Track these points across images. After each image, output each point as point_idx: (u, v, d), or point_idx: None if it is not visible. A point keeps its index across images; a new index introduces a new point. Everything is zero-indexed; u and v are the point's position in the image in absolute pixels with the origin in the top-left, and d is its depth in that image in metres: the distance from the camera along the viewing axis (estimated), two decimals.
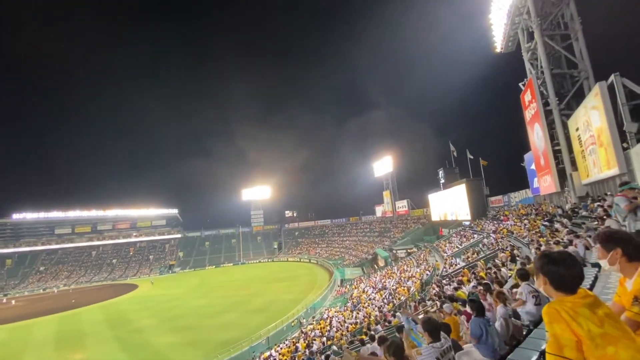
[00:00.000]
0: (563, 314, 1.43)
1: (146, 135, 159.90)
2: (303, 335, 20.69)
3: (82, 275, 79.60)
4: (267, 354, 19.16)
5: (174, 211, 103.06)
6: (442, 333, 3.29)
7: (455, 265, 22.76)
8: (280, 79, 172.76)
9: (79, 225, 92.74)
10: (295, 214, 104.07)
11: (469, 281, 13.56)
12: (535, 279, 1.75)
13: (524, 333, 4.38)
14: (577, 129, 17.68)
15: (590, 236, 8.37)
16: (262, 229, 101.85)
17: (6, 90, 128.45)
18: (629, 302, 1.83)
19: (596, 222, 10.65)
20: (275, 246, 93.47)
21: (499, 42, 25.73)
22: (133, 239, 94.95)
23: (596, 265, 5.66)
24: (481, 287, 7.89)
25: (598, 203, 13.41)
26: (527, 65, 22.77)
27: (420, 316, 6.27)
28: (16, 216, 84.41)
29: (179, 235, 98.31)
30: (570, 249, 8.15)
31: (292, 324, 25.62)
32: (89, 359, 22.40)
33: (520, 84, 23.95)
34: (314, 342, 17.34)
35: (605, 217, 9.55)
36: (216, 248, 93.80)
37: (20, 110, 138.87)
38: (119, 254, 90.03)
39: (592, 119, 15.35)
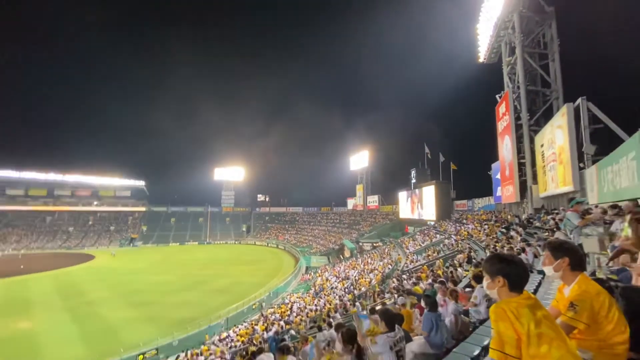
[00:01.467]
0: (508, 313, 1.55)
1: (118, 98, 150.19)
2: (263, 318, 20.89)
3: (33, 240, 74.78)
4: (225, 334, 19.19)
5: (140, 183, 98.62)
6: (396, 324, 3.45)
7: (416, 262, 23.76)
8: (262, 66, 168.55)
9: (33, 187, 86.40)
10: (267, 199, 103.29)
11: (427, 278, 14.23)
12: (484, 281, 1.83)
13: (470, 329, 4.69)
14: (542, 145, 18.78)
15: (540, 245, 9.01)
16: (232, 210, 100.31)
17: None
18: (565, 307, 2.01)
19: (547, 233, 11.48)
20: (244, 229, 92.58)
21: (482, 53, 26.52)
22: (94, 208, 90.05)
23: (541, 272, 6.12)
24: (439, 284, 8.32)
25: (551, 216, 14.45)
26: (506, 79, 23.71)
27: (378, 307, 6.52)
28: None
29: (143, 209, 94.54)
30: (522, 256, 8.75)
31: (253, 307, 25.74)
32: (36, 329, 21.30)
33: (497, 96, 24.95)
34: (273, 325, 17.57)
35: (555, 229, 10.33)
36: (182, 225, 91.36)
37: None
38: (76, 222, 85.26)
39: (556, 137, 16.35)
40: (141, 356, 16.92)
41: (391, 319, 3.32)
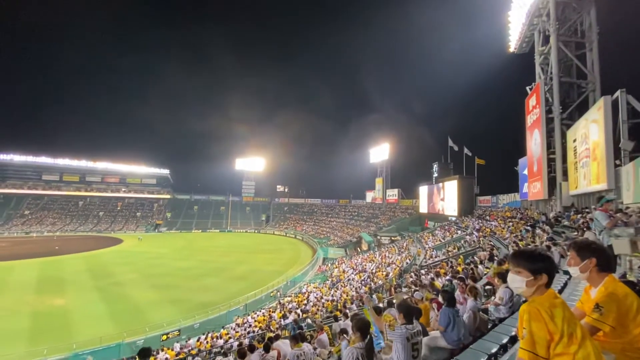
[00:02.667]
0: (543, 313, 1.53)
1: (146, 91, 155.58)
2: (280, 306, 21.34)
3: (67, 224, 79.59)
4: (243, 319, 19.81)
5: (165, 171, 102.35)
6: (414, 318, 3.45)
7: (435, 257, 23.40)
8: (286, 59, 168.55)
9: (67, 173, 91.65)
10: (286, 190, 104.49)
11: (445, 273, 14.01)
12: (518, 275, 1.72)
13: (489, 327, 4.60)
14: (574, 140, 17.81)
15: (567, 245, 8.64)
16: (252, 200, 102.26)
17: None
18: (590, 309, 1.94)
19: (576, 233, 10.97)
20: (264, 218, 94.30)
21: (513, 42, 25.25)
22: (122, 194, 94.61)
23: (567, 272, 5.89)
24: (458, 281, 8.18)
25: (581, 215, 13.78)
26: (538, 70, 22.53)
27: (394, 300, 6.51)
28: (3, 157, 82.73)
29: (168, 196, 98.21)
30: None
31: (271, 295, 26.35)
32: (68, 306, 22.82)
33: (527, 88, 23.77)
34: (289, 313, 17.93)
35: (585, 229, 9.85)
36: (204, 213, 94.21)
37: (13, 54, 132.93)
38: (106, 207, 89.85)
39: (590, 132, 15.45)
40: (165, 336, 17.78)
41: (409, 312, 3.32)
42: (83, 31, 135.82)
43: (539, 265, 1.67)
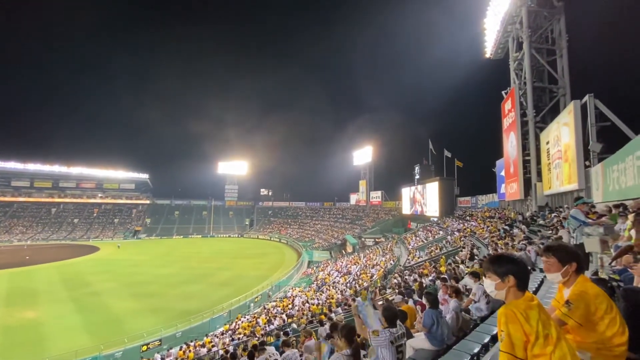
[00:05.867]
0: (518, 315, 1.58)
1: (124, 93, 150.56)
2: (265, 311, 21.09)
3: (38, 232, 75.80)
4: (228, 326, 19.45)
5: (144, 176, 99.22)
6: (398, 321, 3.49)
7: (418, 258, 23.80)
8: (268, 62, 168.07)
9: (38, 179, 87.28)
10: (270, 193, 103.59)
11: (429, 274, 14.27)
12: (489, 280, 1.81)
13: (471, 327, 4.71)
14: (547, 143, 18.61)
15: (543, 244, 8.99)
16: (236, 204, 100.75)
17: None
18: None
19: (550, 231, 11.44)
20: (247, 223, 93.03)
21: (489, 48, 26.18)
22: (98, 200, 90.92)
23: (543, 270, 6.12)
24: (440, 281, 8.35)
25: (555, 214, 14.39)
26: (512, 75, 23.43)
27: (380, 303, 6.55)
28: None
29: (147, 202, 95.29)
30: (522, 253, 8.75)
31: (256, 300, 25.99)
32: (41, 319, 21.69)
33: (503, 92, 24.67)
34: (274, 318, 17.75)
35: (559, 227, 10.29)
36: (186, 218, 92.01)
37: None
38: (81, 214, 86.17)
39: (562, 135, 16.19)
40: (145, 347, 17.19)
41: (393, 316, 3.36)
42: (52, 29, 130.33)
43: (505, 268, 1.75)
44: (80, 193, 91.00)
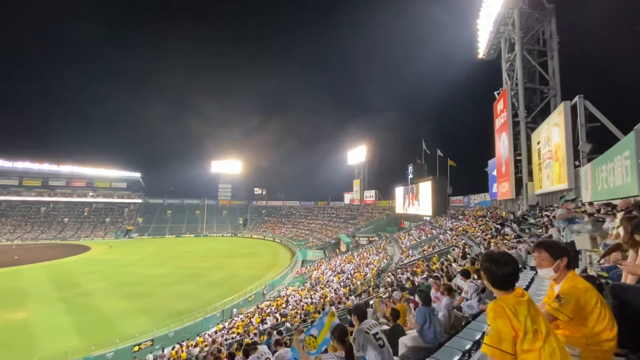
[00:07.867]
0: (507, 310, 1.59)
1: (113, 91, 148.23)
2: (259, 310, 21.03)
3: (27, 231, 74.45)
4: (221, 326, 19.33)
5: (136, 175, 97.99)
6: (369, 317, 3.55)
7: (412, 256, 23.95)
8: (261, 61, 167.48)
9: (27, 178, 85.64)
10: (264, 192, 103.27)
11: (422, 272, 14.37)
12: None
13: (463, 324, 4.76)
14: (538, 143, 18.87)
15: (533, 242, 9.10)
16: (229, 203, 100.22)
17: None
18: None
19: (540, 230, 11.61)
20: (241, 222, 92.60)
21: (482, 49, 26.43)
22: (89, 199, 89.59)
23: (535, 268, 6.21)
24: (433, 279, 8.41)
25: (545, 212, 14.59)
26: (504, 75, 23.68)
27: (372, 302, 6.59)
28: None
29: (139, 201, 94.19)
30: (513, 252, 8.85)
31: (249, 299, 25.90)
32: (30, 319, 21.31)
33: (495, 93, 24.93)
34: (268, 318, 17.70)
35: (549, 226, 10.44)
36: (178, 218, 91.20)
37: None
38: (71, 213, 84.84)
39: (552, 135, 16.43)
40: (137, 347, 17.02)
41: (363, 314, 3.42)
42: (43, 27, 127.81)
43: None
44: (71, 192, 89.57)
